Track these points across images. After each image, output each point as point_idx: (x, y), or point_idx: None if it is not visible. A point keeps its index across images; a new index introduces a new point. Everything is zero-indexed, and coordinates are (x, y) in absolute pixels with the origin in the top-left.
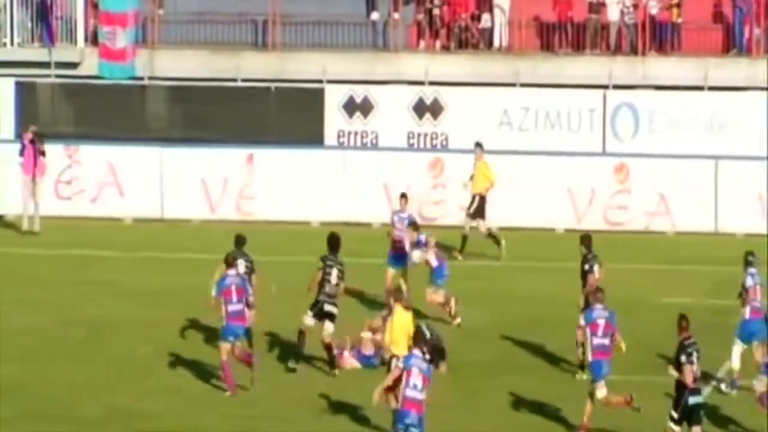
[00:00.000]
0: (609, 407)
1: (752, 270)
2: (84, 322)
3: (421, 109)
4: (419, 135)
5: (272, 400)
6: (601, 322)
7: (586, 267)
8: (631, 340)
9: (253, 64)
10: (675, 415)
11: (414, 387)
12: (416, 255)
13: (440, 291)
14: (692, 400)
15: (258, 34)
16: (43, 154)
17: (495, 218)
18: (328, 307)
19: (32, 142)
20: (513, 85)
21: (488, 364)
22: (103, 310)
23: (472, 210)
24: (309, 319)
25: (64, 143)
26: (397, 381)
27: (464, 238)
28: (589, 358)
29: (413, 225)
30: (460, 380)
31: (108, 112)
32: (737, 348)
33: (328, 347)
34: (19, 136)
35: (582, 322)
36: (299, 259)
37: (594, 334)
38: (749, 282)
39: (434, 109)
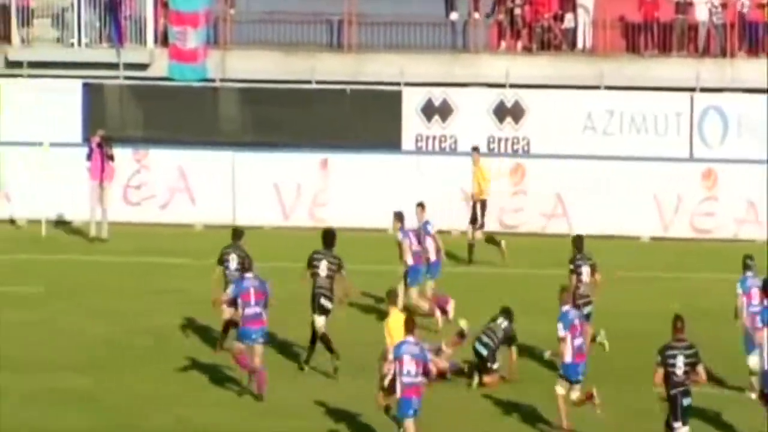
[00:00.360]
0: (577, 406)
1: (749, 273)
2: (153, 332)
3: (501, 112)
4: (500, 139)
5: (341, 412)
6: (577, 322)
7: (571, 267)
8: (713, 352)
9: (328, 65)
10: (676, 424)
11: (408, 373)
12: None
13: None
14: (685, 402)
15: (333, 34)
16: (111, 158)
17: (579, 225)
18: (323, 301)
19: (100, 146)
20: (597, 87)
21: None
22: (173, 319)
23: (480, 221)
24: (319, 320)
25: (133, 147)
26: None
27: (498, 244)
28: (568, 360)
29: (398, 215)
30: (537, 390)
31: (178, 115)
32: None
33: (321, 338)
34: (86, 139)
35: (561, 332)
36: (375, 267)
37: (573, 336)
38: (745, 286)
39: (515, 113)
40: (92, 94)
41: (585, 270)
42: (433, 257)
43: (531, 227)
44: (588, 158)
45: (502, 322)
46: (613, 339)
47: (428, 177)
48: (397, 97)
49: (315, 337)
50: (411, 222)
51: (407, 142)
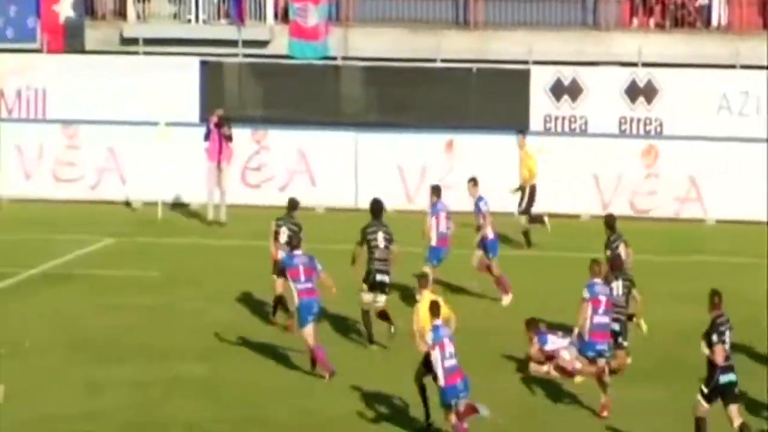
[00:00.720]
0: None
1: None
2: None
3: (633, 92)
4: (632, 120)
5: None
6: (603, 298)
7: (613, 247)
8: None
9: (454, 43)
10: (705, 390)
11: (450, 356)
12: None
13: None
14: (723, 378)
15: (459, 10)
16: (229, 139)
17: (713, 210)
18: (380, 277)
19: (218, 126)
20: (733, 66)
21: (698, 366)
22: (292, 305)
23: (524, 206)
24: (366, 296)
25: (252, 127)
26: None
27: (526, 233)
28: (586, 337)
29: (434, 189)
30: (670, 382)
31: (299, 95)
32: None
33: (382, 315)
34: (204, 119)
35: (585, 294)
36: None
37: (595, 310)
38: None
39: (648, 93)
40: (210, 73)
41: (622, 249)
42: (490, 235)
43: (664, 212)
44: (723, 140)
45: (618, 286)
46: (746, 326)
47: (557, 160)
48: (524, 75)
49: (368, 315)
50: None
51: (535, 122)
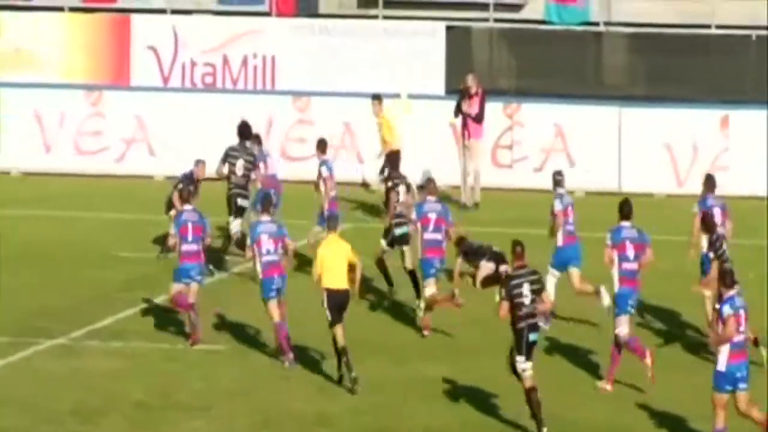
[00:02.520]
0: (436, 305)
1: (561, 191)
2: None
3: None
4: None
5: None
6: (432, 216)
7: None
8: None
9: (730, 7)
10: (520, 358)
11: (268, 252)
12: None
13: None
14: (532, 336)
15: None
16: (476, 118)
17: None
18: (240, 201)
19: (462, 97)
20: None
21: None
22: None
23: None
24: (235, 223)
25: (504, 101)
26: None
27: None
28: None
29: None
30: None
31: (556, 64)
32: (551, 279)
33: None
34: (450, 91)
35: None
36: None
37: (425, 228)
38: (558, 206)
39: None
40: (457, 39)
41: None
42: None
43: None
44: None
45: None
46: None
47: None
48: None
49: (229, 243)
50: None
51: None
